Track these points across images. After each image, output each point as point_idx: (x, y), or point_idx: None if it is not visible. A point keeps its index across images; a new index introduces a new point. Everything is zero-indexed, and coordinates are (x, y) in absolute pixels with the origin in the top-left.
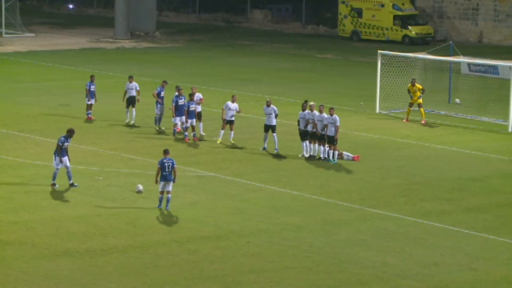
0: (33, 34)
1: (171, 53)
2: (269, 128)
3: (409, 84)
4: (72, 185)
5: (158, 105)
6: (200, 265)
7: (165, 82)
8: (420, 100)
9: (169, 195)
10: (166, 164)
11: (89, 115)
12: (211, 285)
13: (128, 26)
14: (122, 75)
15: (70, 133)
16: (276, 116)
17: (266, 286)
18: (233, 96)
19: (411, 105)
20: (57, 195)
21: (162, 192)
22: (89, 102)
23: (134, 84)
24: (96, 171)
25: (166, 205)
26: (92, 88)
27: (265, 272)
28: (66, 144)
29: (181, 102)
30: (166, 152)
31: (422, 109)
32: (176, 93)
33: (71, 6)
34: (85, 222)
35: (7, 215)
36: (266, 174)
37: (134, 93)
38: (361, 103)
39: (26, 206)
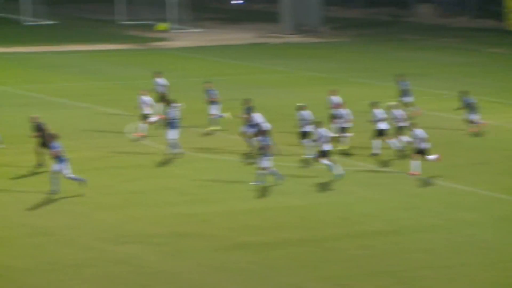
0: (201, 29)
1: (336, 48)
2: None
3: None
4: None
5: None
6: (373, 260)
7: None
8: None
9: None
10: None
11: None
12: (383, 280)
13: (294, 21)
14: (286, 70)
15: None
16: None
17: (441, 282)
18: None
19: None
20: (227, 189)
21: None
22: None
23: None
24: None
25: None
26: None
27: (441, 269)
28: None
29: None
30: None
31: None
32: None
33: (240, 1)
34: (257, 215)
35: (183, 208)
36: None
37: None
38: None
39: (200, 200)
